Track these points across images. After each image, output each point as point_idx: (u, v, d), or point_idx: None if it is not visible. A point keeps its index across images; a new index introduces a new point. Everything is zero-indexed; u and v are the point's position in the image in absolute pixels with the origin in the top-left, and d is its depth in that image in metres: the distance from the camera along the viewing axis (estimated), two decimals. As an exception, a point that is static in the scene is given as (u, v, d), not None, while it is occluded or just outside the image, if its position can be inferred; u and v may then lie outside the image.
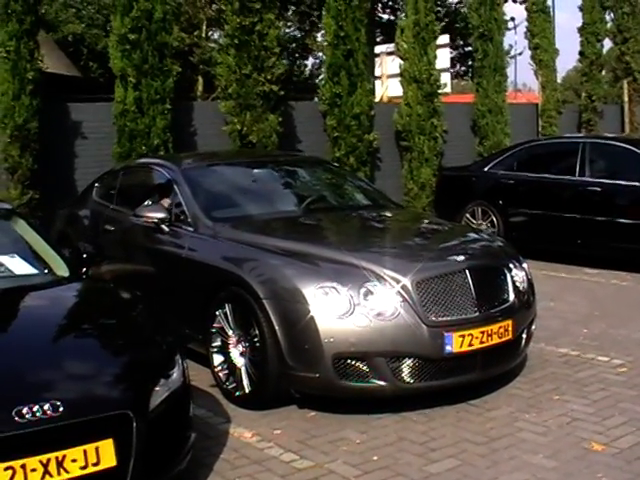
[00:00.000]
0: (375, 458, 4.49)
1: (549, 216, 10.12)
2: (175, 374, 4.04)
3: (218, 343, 5.52)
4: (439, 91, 12.64)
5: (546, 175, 10.33)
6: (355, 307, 4.88)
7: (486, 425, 4.92)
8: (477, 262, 5.40)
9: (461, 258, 5.29)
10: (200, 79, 25.39)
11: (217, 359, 5.54)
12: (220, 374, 5.52)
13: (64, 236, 8.05)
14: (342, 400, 5.16)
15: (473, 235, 6.26)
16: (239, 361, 5.36)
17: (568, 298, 8.37)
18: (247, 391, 5.27)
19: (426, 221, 6.71)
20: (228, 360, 5.44)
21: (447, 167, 12.66)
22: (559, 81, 17.08)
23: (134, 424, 3.58)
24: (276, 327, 5.00)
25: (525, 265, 5.94)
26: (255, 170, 6.98)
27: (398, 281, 5.00)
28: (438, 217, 11.86)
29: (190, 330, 5.92)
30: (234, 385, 5.38)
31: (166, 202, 6.52)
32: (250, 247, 5.51)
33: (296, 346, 4.98)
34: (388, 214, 6.69)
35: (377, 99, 16.62)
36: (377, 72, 19.64)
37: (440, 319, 5.00)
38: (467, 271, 5.19)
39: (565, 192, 10.04)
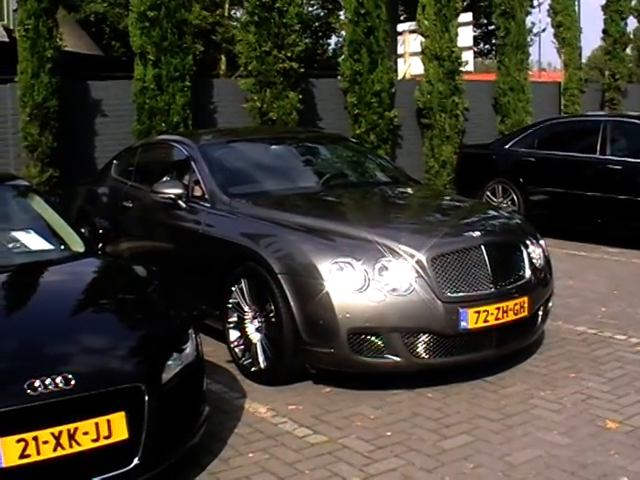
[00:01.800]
0: (389, 434, 4.49)
1: (569, 194, 10.04)
2: (188, 348, 4.06)
3: (234, 319, 5.54)
4: (461, 69, 12.50)
5: (567, 153, 10.24)
6: (370, 282, 4.88)
7: (501, 402, 4.91)
8: (493, 238, 5.37)
9: (477, 234, 5.26)
10: (223, 58, 25.38)
11: (233, 335, 5.56)
12: (236, 350, 5.54)
13: (83, 213, 8.09)
14: (357, 376, 5.17)
15: (490, 212, 6.21)
16: (255, 337, 5.37)
17: (588, 276, 8.32)
18: (262, 367, 5.29)
19: (443, 198, 6.68)
20: (244, 336, 5.46)
21: (468, 145, 12.58)
22: (584, 60, 16.92)
23: (146, 397, 3.60)
24: (291, 302, 5.01)
25: (542, 242, 5.89)
26: (273, 146, 6.97)
27: (413, 256, 4.98)
28: (458, 195, 11.97)
29: (207, 306, 5.95)
30: (250, 361, 5.40)
31: (184, 178, 6.51)
32: (266, 223, 5.51)
33: (311, 321, 4.98)
34: (406, 191, 6.66)
35: (400, 77, 16.55)
36: (400, 50, 19.53)
37: (455, 295, 4.98)
38: (483, 247, 5.16)
39: (586, 170, 9.95)
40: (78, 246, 4.95)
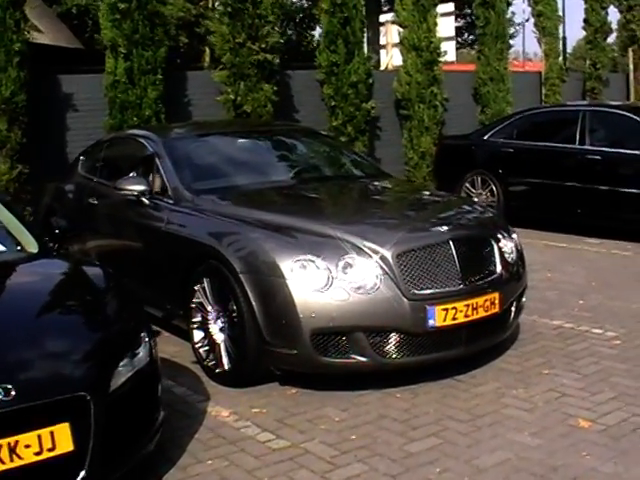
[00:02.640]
0: (353, 437, 4.34)
1: (549, 185, 9.91)
2: (141, 353, 3.89)
3: (198, 319, 5.37)
4: (443, 59, 12.38)
5: (546, 143, 10.10)
6: (333, 280, 4.71)
7: (471, 402, 4.76)
8: (462, 233, 5.21)
9: (445, 229, 5.10)
10: (207, 50, 25.15)
11: (197, 335, 5.40)
12: (200, 350, 5.38)
13: (51, 210, 7.92)
14: (325, 377, 5.01)
15: (461, 206, 6.03)
16: (219, 337, 5.21)
17: (566, 268, 8.19)
18: (226, 368, 5.13)
19: (414, 192, 6.51)
20: (208, 336, 5.29)
21: (447, 136, 12.43)
22: (570, 50, 16.79)
23: (92, 407, 3.42)
24: (253, 302, 4.84)
25: (515, 236, 5.74)
26: (241, 140, 6.80)
27: (378, 253, 4.82)
28: (438, 187, 11.83)
29: (171, 306, 5.81)
30: (214, 362, 5.23)
31: (149, 174, 6.34)
32: (228, 219, 5.35)
33: (273, 322, 4.82)
34: (376, 185, 6.49)
35: (382, 68, 16.40)
36: (382, 41, 19.38)
37: (422, 292, 4.82)
38: (451, 242, 5.00)
39: (565, 161, 9.82)
40: (32, 247, 4.77)
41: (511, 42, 29.19)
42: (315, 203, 5.85)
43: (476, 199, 10.67)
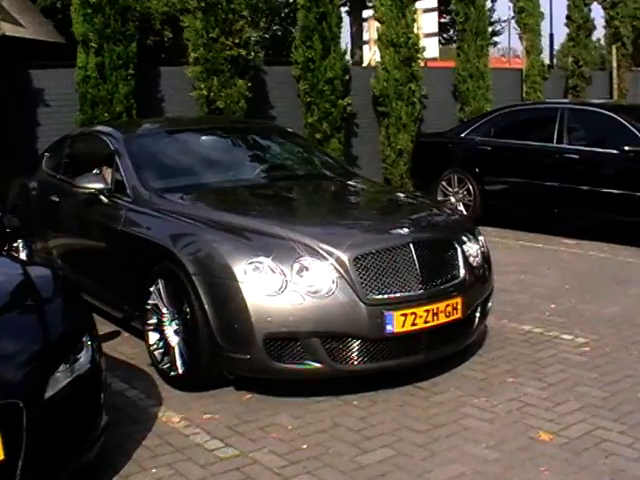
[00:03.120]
0: (305, 447, 4.19)
1: (526, 184, 9.75)
2: (82, 358, 3.74)
3: (153, 320, 5.22)
4: (427, 56, 12.21)
5: (523, 142, 9.94)
6: (287, 284, 4.56)
7: (430, 411, 4.61)
8: (423, 235, 5.04)
9: (405, 231, 4.94)
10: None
11: (153, 337, 5.24)
12: (155, 353, 5.22)
13: (15, 207, 7.74)
14: (282, 382, 4.87)
15: (425, 207, 5.85)
16: (173, 340, 5.06)
17: (541, 270, 8.04)
18: (180, 372, 4.98)
19: (379, 192, 6.33)
20: (163, 339, 5.14)
21: (423, 133, 12.28)
22: (557, 47, 16.65)
23: (25, 414, 3.28)
24: (206, 305, 4.69)
25: (481, 238, 5.59)
26: (204, 137, 6.64)
27: (334, 256, 4.66)
28: (414, 185, 11.70)
29: (128, 306, 5.66)
30: (169, 365, 5.08)
31: (108, 172, 6.18)
32: (183, 220, 5.18)
33: (226, 325, 4.66)
34: (340, 185, 6.34)
35: (365, 64, 16.25)
36: (365, 37, 19.23)
37: (380, 297, 4.66)
38: (411, 245, 4.84)
39: (542, 160, 9.65)
40: (-23, 247, 4.61)
41: (497, 39, 29.18)
42: (274, 203, 5.68)
43: (452, 198, 10.57)
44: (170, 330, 5.07)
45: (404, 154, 12.13)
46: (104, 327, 6.27)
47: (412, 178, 11.84)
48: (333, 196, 6.19)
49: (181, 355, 4.97)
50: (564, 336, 5.89)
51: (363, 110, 12.59)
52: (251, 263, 4.60)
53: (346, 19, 25.80)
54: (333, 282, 4.60)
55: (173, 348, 5.03)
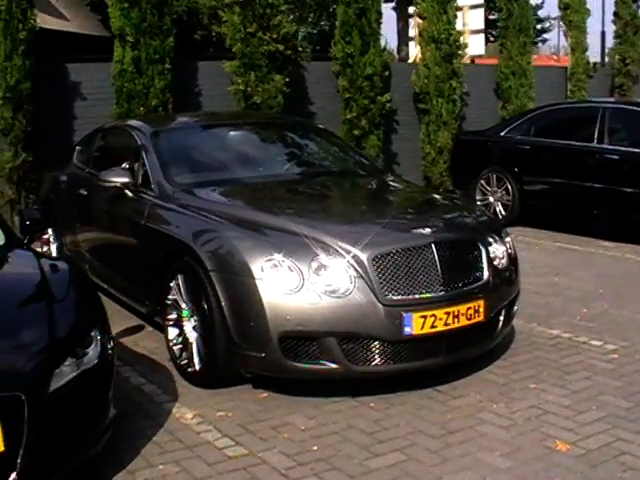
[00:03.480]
0: (315, 448, 4.13)
1: (565, 184, 9.54)
2: (91, 352, 3.73)
3: (173, 316, 5.20)
4: (471, 53, 12.04)
5: (563, 141, 9.73)
6: (304, 282, 4.49)
7: (447, 415, 4.51)
8: (445, 235, 4.92)
9: (427, 231, 4.83)
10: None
11: (172, 332, 5.22)
12: (174, 348, 5.20)
13: (47, 201, 7.81)
14: (298, 381, 4.80)
15: (450, 207, 5.72)
16: (191, 336, 5.02)
17: (575, 273, 7.85)
18: (197, 368, 4.95)
19: (404, 191, 6.20)
20: (182, 334, 5.11)
21: (463, 131, 12.11)
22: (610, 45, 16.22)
23: (26, 407, 3.29)
24: (223, 302, 4.65)
25: (508, 239, 5.47)
26: (232, 133, 6.60)
27: (353, 255, 4.58)
28: (453, 184, 11.54)
29: (150, 301, 5.65)
30: (186, 361, 5.05)
31: (135, 166, 6.17)
32: (205, 215, 5.14)
33: (242, 323, 4.62)
34: (365, 183, 6.27)
35: (411, 60, 16.12)
36: (411, 33, 19.07)
37: (399, 298, 4.57)
38: (433, 245, 4.74)
39: (582, 160, 9.42)
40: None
41: (547, 36, 28.72)
42: (296, 201, 5.60)
43: (491, 197, 10.41)
44: (189, 326, 5.04)
45: (444, 152, 11.98)
46: (129, 321, 6.29)
47: (451, 176, 11.68)
48: (357, 194, 6.11)
49: (198, 351, 4.94)
50: (593, 342, 5.74)
51: (404, 107, 12.46)
52: (268, 261, 4.54)
53: (393, 15, 25.68)
54: (351, 282, 4.53)
55: (191, 344, 5.00)
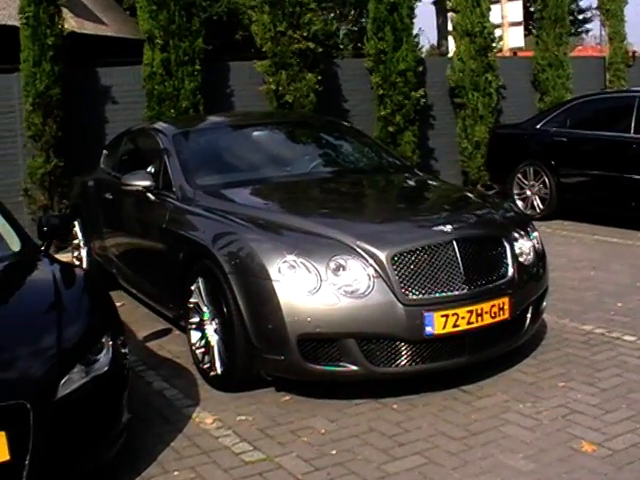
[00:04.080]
0: (333, 452, 4.05)
1: (602, 176, 9.28)
2: (102, 359, 3.71)
3: (196, 319, 5.15)
4: (494, 45, 11.83)
5: (599, 132, 9.49)
6: (323, 283, 4.41)
7: (471, 416, 4.40)
8: (468, 232, 4.81)
9: (448, 228, 4.71)
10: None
11: (194, 336, 5.18)
12: (197, 352, 5.16)
13: (75, 206, 7.85)
14: (322, 383, 4.72)
15: (475, 202, 5.57)
16: (213, 339, 4.97)
17: (612, 266, 7.64)
18: (219, 372, 4.90)
19: (428, 188, 6.07)
20: (204, 338, 5.06)
21: (499, 125, 11.90)
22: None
23: (32, 415, 3.27)
24: (241, 304, 4.59)
25: (535, 234, 5.33)
26: (255, 133, 6.53)
27: (372, 254, 4.49)
28: (490, 178, 11.35)
29: (173, 305, 5.62)
30: (209, 365, 5.01)
31: (158, 169, 6.14)
32: (224, 217, 5.09)
33: (261, 326, 4.55)
34: (389, 180, 6.15)
35: (450, 55, 15.94)
36: (450, 28, 18.88)
37: (419, 297, 4.47)
38: (454, 242, 4.62)
39: (619, 151, 9.18)
40: (15, 245, 4.62)
41: (589, 26, 28.19)
42: (316, 200, 5.53)
43: (528, 191, 10.22)
44: (210, 329, 5.00)
45: (481, 146, 11.78)
46: (157, 325, 6.28)
47: (488, 171, 11.49)
48: (380, 192, 6.00)
49: (219, 355, 4.89)
50: (626, 337, 5.57)
51: (440, 102, 12.29)
52: (285, 262, 4.47)
53: (432, 10, 25.50)
54: (370, 281, 4.44)
55: (213, 347, 4.95)
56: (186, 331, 5.31)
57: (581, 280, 7.14)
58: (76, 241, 7.70)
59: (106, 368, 3.69)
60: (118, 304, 6.81)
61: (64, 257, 8.34)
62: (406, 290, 4.45)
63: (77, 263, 7.71)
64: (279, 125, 6.91)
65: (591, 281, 7.14)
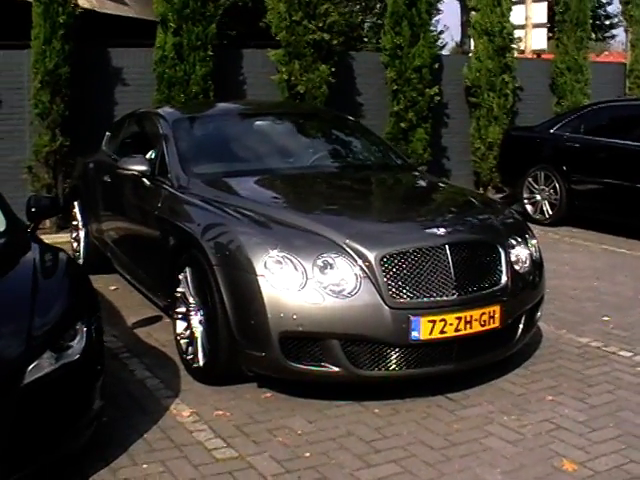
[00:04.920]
0: (307, 455, 3.95)
1: (614, 185, 9.10)
2: (75, 346, 3.62)
3: (182, 309, 5.06)
4: (513, 46, 11.68)
5: (613, 140, 9.31)
6: (308, 281, 4.30)
7: (453, 426, 4.28)
8: (461, 237, 4.69)
9: (442, 231, 4.59)
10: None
11: (180, 326, 5.10)
12: (182, 342, 5.07)
13: (74, 187, 7.80)
14: (307, 382, 4.61)
15: (473, 206, 5.43)
16: (197, 330, 4.88)
17: (617, 277, 7.49)
18: (201, 364, 4.81)
19: (427, 188, 5.93)
20: (189, 328, 4.97)
21: (513, 127, 11.74)
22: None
23: None
24: (225, 298, 4.49)
25: (533, 242, 5.20)
26: (256, 123, 6.42)
27: (361, 254, 4.38)
28: (502, 181, 11.20)
29: (162, 293, 5.53)
30: (192, 356, 4.92)
31: (156, 154, 6.05)
32: (215, 207, 4.99)
33: (243, 320, 4.45)
34: (387, 179, 6.03)
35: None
36: (473, 26, 18.68)
37: (407, 301, 4.35)
38: (447, 247, 4.50)
39: (632, 160, 9.00)
40: (1, 225, 4.53)
41: (615, 32, 27.80)
42: (308, 195, 5.41)
43: (538, 196, 10.07)
44: (195, 320, 4.90)
45: (494, 147, 11.63)
46: (148, 311, 6.19)
47: (499, 173, 11.34)
48: (378, 191, 5.89)
49: (203, 347, 4.80)
50: (622, 353, 5.43)
51: (455, 100, 12.16)
52: (272, 257, 4.36)
53: (457, 7, 25.25)
54: (357, 282, 4.33)
55: (197, 339, 4.86)
56: (172, 320, 5.22)
57: (583, 290, 7.00)
58: (75, 222, 7.63)
59: (78, 355, 3.60)
60: (112, 288, 6.91)
61: (63, 237, 8.34)
62: (394, 293, 4.34)
63: (75, 244, 7.65)
64: (285, 116, 6.79)
65: (593, 291, 7.00)
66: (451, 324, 4.40)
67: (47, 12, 8.77)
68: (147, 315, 6.14)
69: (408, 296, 4.36)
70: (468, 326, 4.47)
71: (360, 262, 4.36)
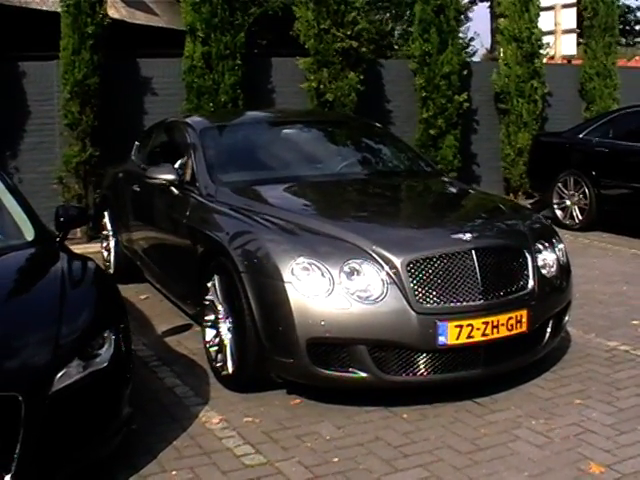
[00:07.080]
0: (335, 460, 3.97)
1: (643, 190, 9.07)
2: (103, 354, 3.67)
3: (211, 317, 5.11)
4: (542, 51, 11.64)
5: (642, 145, 9.27)
6: (335, 287, 4.33)
7: (480, 430, 4.28)
8: (488, 242, 4.69)
9: (468, 236, 4.59)
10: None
11: (209, 334, 5.14)
12: (211, 350, 5.12)
13: (104, 197, 7.88)
14: (335, 388, 4.63)
15: (500, 211, 5.40)
16: (226, 338, 4.92)
17: (647, 282, 7.45)
18: (230, 371, 4.85)
19: (454, 194, 5.94)
20: (218, 336, 5.01)
21: (542, 132, 11.69)
22: None
23: (23, 408, 3.23)
24: (253, 304, 4.53)
25: (560, 246, 5.19)
26: (284, 131, 6.47)
27: (387, 260, 4.40)
28: (531, 186, 11.15)
29: (191, 301, 5.58)
30: (221, 364, 4.96)
31: (185, 163, 6.11)
32: (242, 215, 5.04)
33: (271, 327, 4.49)
34: (414, 185, 6.04)
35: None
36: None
37: (433, 306, 4.36)
38: (473, 252, 4.51)
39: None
40: (29, 235, 4.61)
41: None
42: (337, 202, 5.43)
43: (568, 201, 10.02)
44: (224, 328, 4.95)
45: (524, 153, 11.61)
46: (177, 319, 6.25)
47: (529, 179, 11.30)
48: (405, 197, 5.90)
49: (232, 354, 4.84)
50: (652, 356, 5.40)
51: (484, 107, 12.16)
52: (299, 264, 4.40)
53: (487, 14, 25.21)
54: (383, 287, 4.35)
55: (225, 346, 4.90)
56: (201, 328, 5.27)
57: (612, 295, 6.96)
58: (105, 232, 7.72)
59: (106, 363, 3.65)
60: (142, 297, 6.98)
61: (94, 247, 8.43)
62: (420, 298, 4.36)
63: (106, 254, 7.73)
64: (313, 124, 6.83)
65: (622, 296, 6.95)
66: (478, 329, 4.41)
67: (75, 23, 8.90)
68: (177, 323, 6.19)
69: (435, 301, 4.38)
70: (495, 331, 4.47)
71: (387, 268, 4.38)
